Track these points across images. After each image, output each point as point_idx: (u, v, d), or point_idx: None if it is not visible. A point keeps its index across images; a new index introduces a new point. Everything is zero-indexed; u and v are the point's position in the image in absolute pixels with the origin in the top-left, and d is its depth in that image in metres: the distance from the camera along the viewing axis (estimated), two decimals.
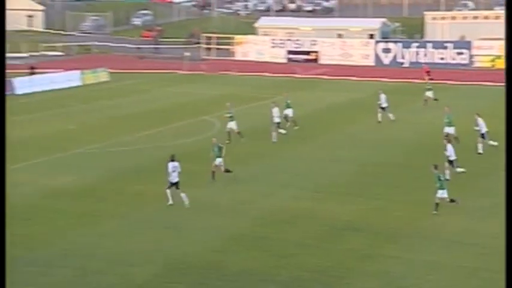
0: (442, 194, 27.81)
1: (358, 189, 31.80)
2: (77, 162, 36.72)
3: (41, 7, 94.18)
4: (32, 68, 62.94)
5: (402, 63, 79.19)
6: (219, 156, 32.28)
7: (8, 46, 76.15)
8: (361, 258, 23.99)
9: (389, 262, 23.62)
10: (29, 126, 45.32)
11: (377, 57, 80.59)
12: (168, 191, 29.16)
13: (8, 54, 75.52)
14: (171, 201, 29.20)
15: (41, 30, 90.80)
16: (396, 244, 25.22)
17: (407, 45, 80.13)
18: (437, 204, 28.02)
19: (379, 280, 22.29)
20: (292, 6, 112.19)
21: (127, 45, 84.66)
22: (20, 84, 57.36)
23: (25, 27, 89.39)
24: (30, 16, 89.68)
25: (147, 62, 76.01)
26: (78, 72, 62.90)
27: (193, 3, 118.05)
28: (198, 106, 47.35)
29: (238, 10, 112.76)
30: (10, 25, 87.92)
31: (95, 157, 37.92)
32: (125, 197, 30.99)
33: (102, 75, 64.43)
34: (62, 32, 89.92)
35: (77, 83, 61.23)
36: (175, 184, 28.93)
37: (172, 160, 28.98)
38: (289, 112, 44.10)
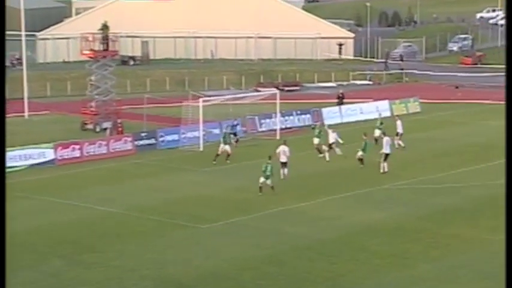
0: None
1: None
2: (384, 198, 34.79)
3: (351, 34, 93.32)
4: (340, 97, 62.00)
5: None
6: None
7: (318, 75, 76.89)
8: None
9: None
10: (337, 159, 43.13)
11: None
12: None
13: (318, 84, 76.08)
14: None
15: (351, 58, 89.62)
16: None
17: None
18: None
19: None
20: None
21: (440, 73, 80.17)
22: (329, 115, 56.65)
23: (336, 56, 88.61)
24: (340, 44, 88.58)
25: (464, 92, 69.98)
26: (387, 102, 60.67)
27: None
28: None
29: None
30: (322, 54, 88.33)
31: (404, 194, 35.60)
32: (437, 238, 28.75)
33: (412, 106, 61.58)
34: (372, 60, 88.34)
35: (386, 113, 58.58)
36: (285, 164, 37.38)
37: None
38: None
